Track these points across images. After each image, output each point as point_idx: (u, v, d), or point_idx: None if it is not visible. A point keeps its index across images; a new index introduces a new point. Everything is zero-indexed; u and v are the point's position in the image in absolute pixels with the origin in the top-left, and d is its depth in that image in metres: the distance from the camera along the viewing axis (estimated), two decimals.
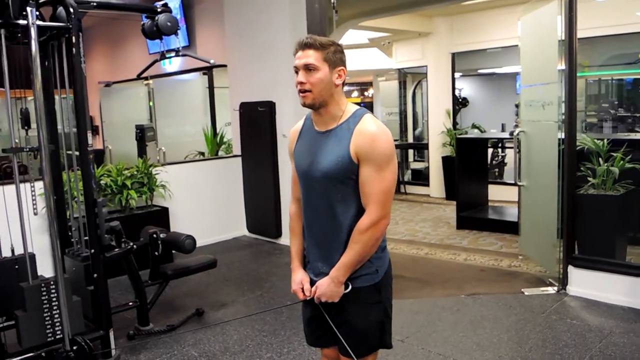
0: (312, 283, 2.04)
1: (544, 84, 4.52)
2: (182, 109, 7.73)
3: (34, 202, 3.26)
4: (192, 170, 6.24)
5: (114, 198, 5.23)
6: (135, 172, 5.38)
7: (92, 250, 3.32)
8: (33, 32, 2.79)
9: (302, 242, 2.13)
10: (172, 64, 7.97)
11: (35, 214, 3.23)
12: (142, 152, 5.88)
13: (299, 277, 2.09)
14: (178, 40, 3.76)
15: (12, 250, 3.41)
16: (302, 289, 2.05)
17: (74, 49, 3.11)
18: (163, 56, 3.84)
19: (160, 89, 7.90)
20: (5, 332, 3.27)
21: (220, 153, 7.21)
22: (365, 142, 1.85)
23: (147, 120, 7.87)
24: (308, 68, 1.88)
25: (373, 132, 1.86)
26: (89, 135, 3.24)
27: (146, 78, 7.98)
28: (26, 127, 3.16)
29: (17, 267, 3.35)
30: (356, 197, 1.91)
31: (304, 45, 1.90)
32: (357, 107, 1.97)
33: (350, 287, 1.96)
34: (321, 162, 1.92)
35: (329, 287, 1.94)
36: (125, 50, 8.94)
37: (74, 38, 3.10)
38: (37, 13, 3.14)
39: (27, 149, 3.13)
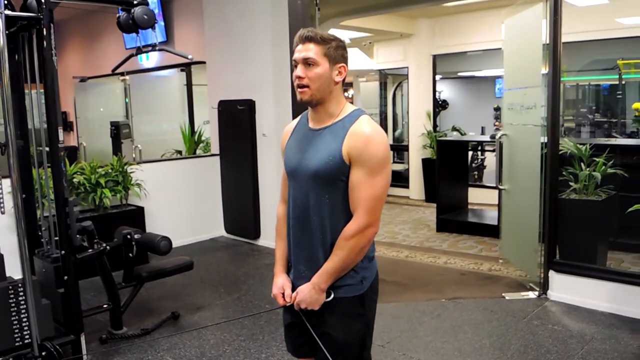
0: (294, 287, 1.93)
1: (527, 87, 4.49)
2: (159, 106, 7.57)
3: (1, 201, 3.10)
4: (169, 168, 6.10)
5: (88, 197, 5.06)
6: (110, 170, 5.22)
7: (63, 252, 3.18)
8: (0, 22, 2.64)
9: (285, 246, 2.03)
10: (150, 60, 7.79)
11: (3, 212, 3.07)
12: (117, 149, 5.71)
13: (280, 282, 1.99)
14: (155, 35, 3.63)
15: None
16: (283, 294, 1.95)
17: (44, 42, 2.97)
18: (140, 51, 3.69)
19: (137, 85, 7.73)
20: None
21: (199, 152, 7.08)
22: (359, 144, 1.76)
23: (123, 117, 7.68)
24: (307, 62, 1.80)
25: (368, 134, 1.77)
26: (60, 131, 3.09)
27: (122, 74, 7.80)
28: None
29: None
30: (345, 199, 1.82)
31: (305, 39, 1.81)
32: (356, 107, 1.89)
33: (332, 295, 1.86)
34: (311, 160, 1.84)
35: (309, 293, 1.84)
36: (101, 44, 8.72)
37: (44, 30, 2.95)
38: (6, 2, 3.01)
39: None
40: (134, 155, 6.34)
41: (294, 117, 5.14)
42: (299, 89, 1.82)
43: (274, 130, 5.53)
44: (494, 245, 5.72)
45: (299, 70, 1.81)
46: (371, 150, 1.76)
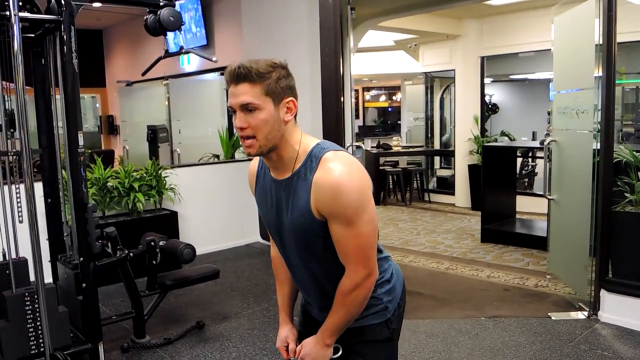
0: (315, 322, 1.74)
1: (578, 89, 4.16)
2: (199, 110, 7.55)
3: (19, 207, 3.07)
4: (205, 173, 6.03)
5: (122, 201, 5.05)
6: (144, 175, 5.19)
7: (81, 259, 3.12)
8: (15, 25, 2.58)
9: (289, 289, 1.84)
10: (191, 64, 7.80)
11: (21, 221, 3.05)
12: (154, 153, 5.69)
13: (283, 334, 1.80)
14: (182, 37, 3.54)
15: (4, 255, 3.23)
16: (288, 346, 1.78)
17: (64, 46, 2.91)
18: (167, 54, 3.63)
19: (178, 89, 7.73)
20: None
21: (238, 156, 6.99)
22: (326, 197, 1.47)
23: (165, 120, 7.70)
24: (247, 108, 1.45)
25: (333, 183, 1.45)
26: (80, 136, 3.03)
27: (165, 78, 7.83)
28: (12, 130, 2.98)
29: (8, 272, 3.16)
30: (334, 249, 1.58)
31: (236, 77, 1.45)
32: (315, 140, 1.56)
33: (340, 352, 1.67)
34: (286, 219, 1.59)
35: (314, 348, 1.65)
36: (145, 48, 8.80)
37: (64, 33, 2.89)
38: (29, 5, 2.98)
39: (12, 152, 2.94)
40: (172, 159, 6.31)
41: (324, 126, 4.94)
42: (244, 142, 1.50)
43: (311, 134, 5.38)
44: (542, 258, 5.36)
45: (239, 120, 1.47)
46: (342, 202, 1.46)
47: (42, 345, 2.92)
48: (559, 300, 4.31)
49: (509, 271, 5.14)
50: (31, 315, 2.94)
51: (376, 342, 1.69)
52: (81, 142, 3.05)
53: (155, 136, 5.74)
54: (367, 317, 1.66)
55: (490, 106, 10.00)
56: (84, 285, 3.13)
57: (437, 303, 4.39)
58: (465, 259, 5.63)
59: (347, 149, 4.79)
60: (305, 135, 1.57)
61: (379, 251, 1.71)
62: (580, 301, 4.13)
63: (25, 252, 3.07)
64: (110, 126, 9.81)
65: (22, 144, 2.69)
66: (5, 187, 3.19)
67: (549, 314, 4.02)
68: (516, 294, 4.54)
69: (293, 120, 1.53)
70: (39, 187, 3.48)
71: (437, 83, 9.90)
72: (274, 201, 1.62)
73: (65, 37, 2.91)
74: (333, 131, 4.88)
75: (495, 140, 8.30)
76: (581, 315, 3.97)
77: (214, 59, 3.62)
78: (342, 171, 1.46)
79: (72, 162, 3.06)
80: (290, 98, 1.50)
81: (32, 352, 2.93)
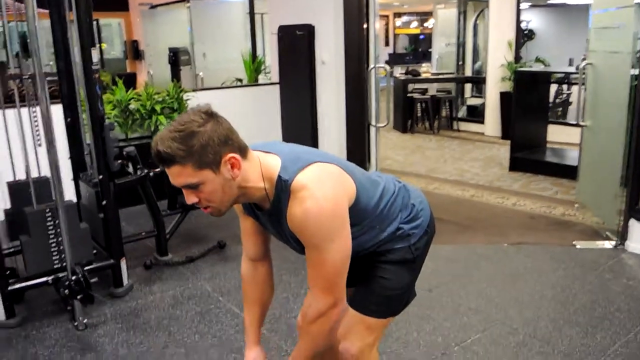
0: None
1: (617, 7, 3.87)
2: (222, 34, 7.36)
3: (38, 131, 3.05)
4: (227, 97, 5.92)
5: (144, 123, 5.03)
6: (166, 97, 5.13)
7: (101, 177, 3.13)
8: None
9: (259, 311, 1.77)
10: None
11: (39, 144, 3.04)
12: (175, 76, 5.60)
13: (251, 357, 1.75)
14: None
15: (27, 174, 3.26)
16: None
17: None
18: None
19: (200, 13, 7.51)
20: (18, 256, 3.18)
21: (262, 80, 6.87)
22: (296, 228, 1.42)
23: (188, 44, 7.55)
24: (189, 187, 1.36)
25: (300, 217, 1.38)
26: (94, 52, 2.96)
27: (187, 0, 7.61)
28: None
29: (31, 190, 3.20)
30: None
31: (162, 162, 1.33)
32: (275, 166, 1.43)
33: None
34: (287, 239, 1.55)
35: None
36: None
37: None
38: None
39: (27, 76, 2.89)
40: (194, 83, 6.22)
41: (347, 51, 4.77)
42: (203, 210, 1.43)
43: (334, 58, 5.19)
44: (571, 188, 5.21)
45: (187, 197, 1.39)
46: (310, 231, 1.40)
47: (64, 260, 2.98)
48: (586, 230, 4.21)
49: (535, 199, 5.02)
50: (53, 231, 2.99)
51: (398, 262, 1.68)
52: (95, 58, 2.98)
53: (177, 59, 5.63)
54: (391, 242, 1.66)
55: (526, 32, 9.53)
56: (104, 202, 3.17)
57: (459, 229, 4.33)
58: (491, 187, 5.52)
59: (369, 71, 4.63)
60: (264, 162, 1.44)
61: (405, 189, 1.73)
62: (607, 230, 4.02)
63: (48, 171, 3.09)
64: (135, 51, 9.69)
65: (34, 66, 2.65)
66: (25, 110, 3.19)
67: (574, 242, 3.94)
68: (542, 222, 4.45)
69: (245, 168, 1.40)
70: (59, 109, 3.49)
71: (471, 7, 9.43)
72: (266, 224, 1.60)
73: None
74: (355, 56, 4.72)
75: (531, 67, 7.94)
76: (608, 244, 3.87)
77: None
78: (311, 200, 1.37)
79: (87, 79, 3.02)
80: (227, 154, 1.35)
81: (55, 266, 3.00)
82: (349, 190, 1.50)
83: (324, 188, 1.40)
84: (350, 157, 4.79)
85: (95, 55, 2.97)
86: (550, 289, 3.25)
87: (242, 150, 1.40)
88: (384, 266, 1.68)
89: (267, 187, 1.44)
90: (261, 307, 1.77)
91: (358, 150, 4.81)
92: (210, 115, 1.35)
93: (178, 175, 1.33)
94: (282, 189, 1.42)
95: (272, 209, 1.48)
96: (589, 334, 2.76)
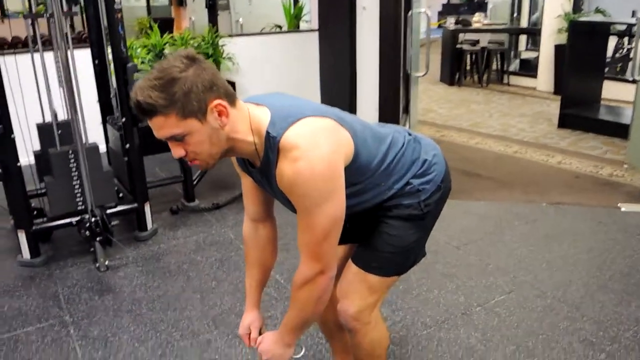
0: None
1: None
2: None
3: (60, 74, 3.01)
4: (265, 43, 5.79)
5: None
6: (202, 43, 5.05)
7: (124, 119, 3.10)
8: None
9: (259, 274, 1.69)
10: None
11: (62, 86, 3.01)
12: (212, 21, 5.48)
13: (247, 321, 1.68)
14: None
15: (55, 116, 3.26)
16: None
17: None
18: None
19: None
20: (45, 197, 3.23)
21: (302, 27, 6.66)
22: (286, 188, 1.32)
23: None
24: (174, 139, 1.25)
25: (291, 176, 1.27)
26: None
27: None
28: None
29: (59, 132, 3.21)
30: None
31: (144, 114, 1.22)
32: (265, 118, 1.32)
33: (303, 351, 1.62)
34: (281, 199, 1.44)
35: (273, 346, 1.53)
36: None
37: None
38: None
39: (48, 15, 2.83)
40: (232, 28, 6.10)
41: None
42: (191, 163, 1.32)
43: (375, 3, 4.96)
44: (623, 147, 4.88)
45: (174, 151, 1.28)
46: (299, 193, 1.30)
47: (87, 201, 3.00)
48: (634, 192, 3.94)
49: (583, 158, 4.74)
50: (75, 173, 2.99)
51: (405, 218, 1.56)
52: None
53: (214, 3, 5.50)
54: (399, 198, 1.54)
55: None
56: (127, 145, 3.15)
57: (496, 185, 4.14)
58: (536, 144, 5.25)
59: (409, 14, 4.38)
60: (253, 115, 1.32)
61: (416, 141, 1.60)
62: None
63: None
64: None
65: (54, 5, 2.59)
66: (48, 55, 3.15)
67: (619, 204, 3.69)
68: (587, 181, 4.20)
69: (232, 119, 1.28)
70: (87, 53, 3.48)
71: None
72: (258, 178, 1.48)
73: None
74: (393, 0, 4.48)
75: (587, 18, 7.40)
76: None
77: None
78: (303, 161, 1.26)
79: (109, 20, 2.95)
80: (215, 101, 1.23)
81: (78, 208, 3.02)
82: (345, 147, 1.37)
83: (317, 147, 1.28)
84: (384, 108, 4.62)
85: None
86: (587, 253, 3.06)
87: (230, 97, 1.28)
88: (390, 222, 1.57)
89: (257, 142, 1.33)
90: (262, 271, 1.70)
91: (392, 100, 4.62)
92: (192, 59, 1.23)
93: (161, 127, 1.23)
94: (270, 146, 1.31)
95: (262, 167, 1.38)
96: (623, 301, 2.58)
